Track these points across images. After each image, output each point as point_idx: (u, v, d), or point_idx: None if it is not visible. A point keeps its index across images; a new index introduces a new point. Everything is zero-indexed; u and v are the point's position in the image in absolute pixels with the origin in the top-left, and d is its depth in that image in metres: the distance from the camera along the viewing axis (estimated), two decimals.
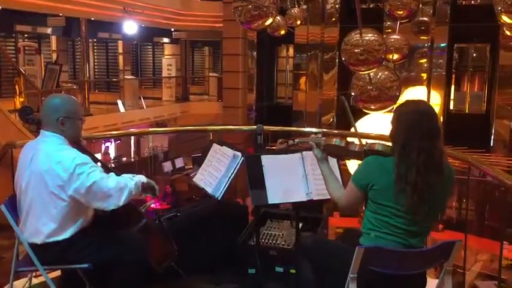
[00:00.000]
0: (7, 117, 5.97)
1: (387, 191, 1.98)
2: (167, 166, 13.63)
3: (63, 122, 2.33)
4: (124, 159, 15.18)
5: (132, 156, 15.82)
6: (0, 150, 3.39)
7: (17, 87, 9.43)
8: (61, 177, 2.22)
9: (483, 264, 5.43)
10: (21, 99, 8.99)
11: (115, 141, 14.75)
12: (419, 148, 1.94)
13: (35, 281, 2.77)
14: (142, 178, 2.43)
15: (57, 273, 2.81)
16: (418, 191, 1.93)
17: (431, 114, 2.03)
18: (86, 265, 2.32)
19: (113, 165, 12.98)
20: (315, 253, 2.25)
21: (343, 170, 2.75)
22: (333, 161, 2.63)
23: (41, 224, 2.29)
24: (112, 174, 2.31)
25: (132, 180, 2.35)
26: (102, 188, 2.24)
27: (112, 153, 14.91)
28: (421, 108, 2.04)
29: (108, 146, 14.72)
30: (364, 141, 2.30)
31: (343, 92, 11.26)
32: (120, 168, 12.54)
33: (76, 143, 2.47)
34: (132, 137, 15.02)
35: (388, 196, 1.98)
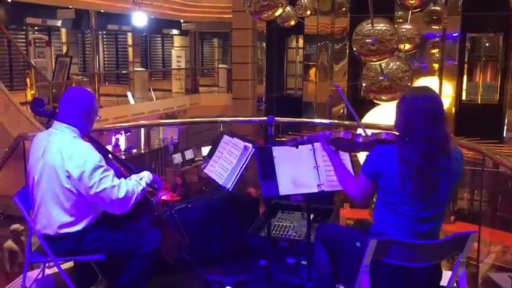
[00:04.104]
0: (19, 110, 6.02)
1: (395, 178, 1.97)
2: (177, 158, 13.68)
3: (86, 115, 2.36)
4: (134, 151, 15.26)
5: (142, 148, 15.88)
6: (12, 142, 3.41)
7: (28, 79, 9.49)
8: (72, 173, 2.22)
9: (496, 255, 5.39)
10: (32, 92, 9.05)
11: (125, 133, 14.81)
12: (421, 132, 1.93)
13: (48, 271, 2.79)
14: (148, 178, 2.44)
15: (70, 264, 2.83)
16: (424, 175, 1.92)
17: (433, 98, 2.01)
18: (99, 257, 2.34)
19: (123, 157, 13.05)
20: (331, 238, 2.25)
21: (354, 162, 2.73)
22: (345, 155, 2.63)
23: (53, 215, 2.30)
24: (122, 181, 2.31)
25: (140, 186, 2.36)
26: (111, 196, 2.24)
27: (122, 145, 14.98)
28: (421, 94, 2.04)
29: (118, 138, 14.79)
30: (370, 132, 2.27)
31: (353, 83, 11.18)
32: (131, 160, 12.62)
33: (87, 136, 2.48)
34: (142, 129, 15.06)
35: (396, 183, 1.97)
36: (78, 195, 2.27)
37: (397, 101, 2.09)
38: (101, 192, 2.23)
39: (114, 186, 2.25)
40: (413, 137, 1.95)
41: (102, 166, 2.25)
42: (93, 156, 2.25)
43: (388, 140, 2.10)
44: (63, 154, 2.24)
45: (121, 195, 2.26)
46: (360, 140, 2.22)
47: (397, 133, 2.07)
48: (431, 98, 2.01)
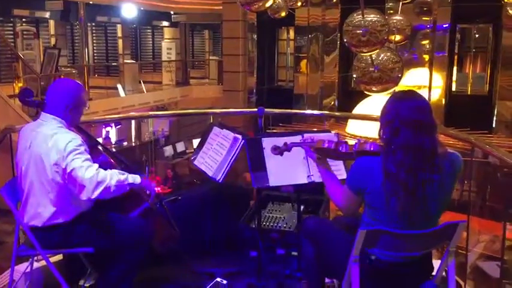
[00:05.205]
0: (6, 102, 5.94)
1: (380, 194, 1.87)
2: (168, 150, 13.64)
3: (72, 109, 2.34)
4: (125, 143, 15.18)
5: (133, 140, 15.81)
6: None
7: (15, 72, 9.37)
8: (55, 159, 2.22)
9: (485, 245, 5.45)
10: (20, 84, 8.94)
11: (116, 126, 14.73)
12: (405, 141, 1.81)
13: (36, 265, 2.77)
14: (133, 179, 2.32)
15: (59, 257, 2.81)
16: (410, 191, 1.82)
17: (419, 104, 1.87)
18: (88, 249, 2.32)
19: (113, 149, 12.98)
20: (316, 234, 2.24)
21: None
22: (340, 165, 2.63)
23: (41, 206, 2.29)
24: (95, 165, 2.24)
25: (115, 176, 2.24)
26: (77, 177, 2.19)
27: (113, 138, 14.89)
28: (406, 99, 1.90)
29: (108, 131, 14.70)
30: (353, 142, 2.17)
31: (344, 74, 11.19)
32: (121, 153, 12.55)
33: (76, 127, 2.47)
34: (133, 122, 14.99)
35: (382, 199, 1.87)
36: (63, 186, 2.25)
37: (381, 109, 1.95)
38: (71, 172, 2.19)
39: (82, 167, 2.19)
40: (397, 147, 1.83)
41: (77, 149, 2.22)
42: (73, 141, 2.23)
43: (372, 152, 1.99)
44: (48, 144, 2.23)
45: (87, 176, 2.18)
46: (344, 150, 2.14)
47: (381, 143, 1.95)
48: (417, 104, 1.87)
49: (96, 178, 2.19)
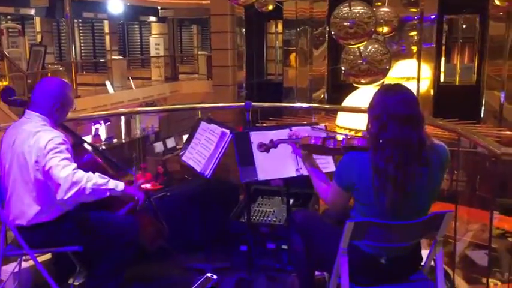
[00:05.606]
0: None
1: (369, 190, 1.86)
2: (158, 146, 13.57)
3: (59, 108, 2.32)
4: (114, 140, 15.09)
5: (123, 137, 15.71)
6: None
7: (0, 70, 9.27)
8: (36, 157, 2.20)
9: (474, 234, 5.51)
10: (6, 83, 8.85)
11: (105, 123, 14.61)
12: (393, 136, 1.80)
13: (25, 264, 2.74)
14: (116, 186, 2.26)
15: (47, 256, 2.79)
16: (399, 186, 1.81)
17: (408, 100, 1.85)
18: (76, 248, 2.30)
19: (103, 147, 12.89)
20: (305, 227, 2.23)
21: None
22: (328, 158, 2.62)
23: (25, 205, 2.27)
24: (72, 165, 2.18)
25: (94, 180, 2.17)
26: (53, 175, 2.15)
27: (102, 135, 14.78)
28: (394, 93, 1.87)
29: (98, 128, 14.58)
30: (341, 137, 2.11)
31: (333, 67, 11.20)
32: (111, 150, 12.48)
33: (61, 125, 2.45)
34: (122, 118, 14.89)
35: (371, 195, 1.86)
36: (46, 184, 2.23)
37: (368, 103, 1.93)
38: (48, 170, 2.16)
39: (58, 165, 2.14)
40: (385, 142, 1.82)
41: (57, 148, 2.19)
42: (54, 140, 2.20)
43: (360, 147, 1.96)
44: (30, 142, 2.21)
45: (62, 175, 2.13)
46: (331, 146, 2.10)
47: (369, 137, 1.91)
48: (405, 97, 1.85)
49: (71, 178, 2.13)
